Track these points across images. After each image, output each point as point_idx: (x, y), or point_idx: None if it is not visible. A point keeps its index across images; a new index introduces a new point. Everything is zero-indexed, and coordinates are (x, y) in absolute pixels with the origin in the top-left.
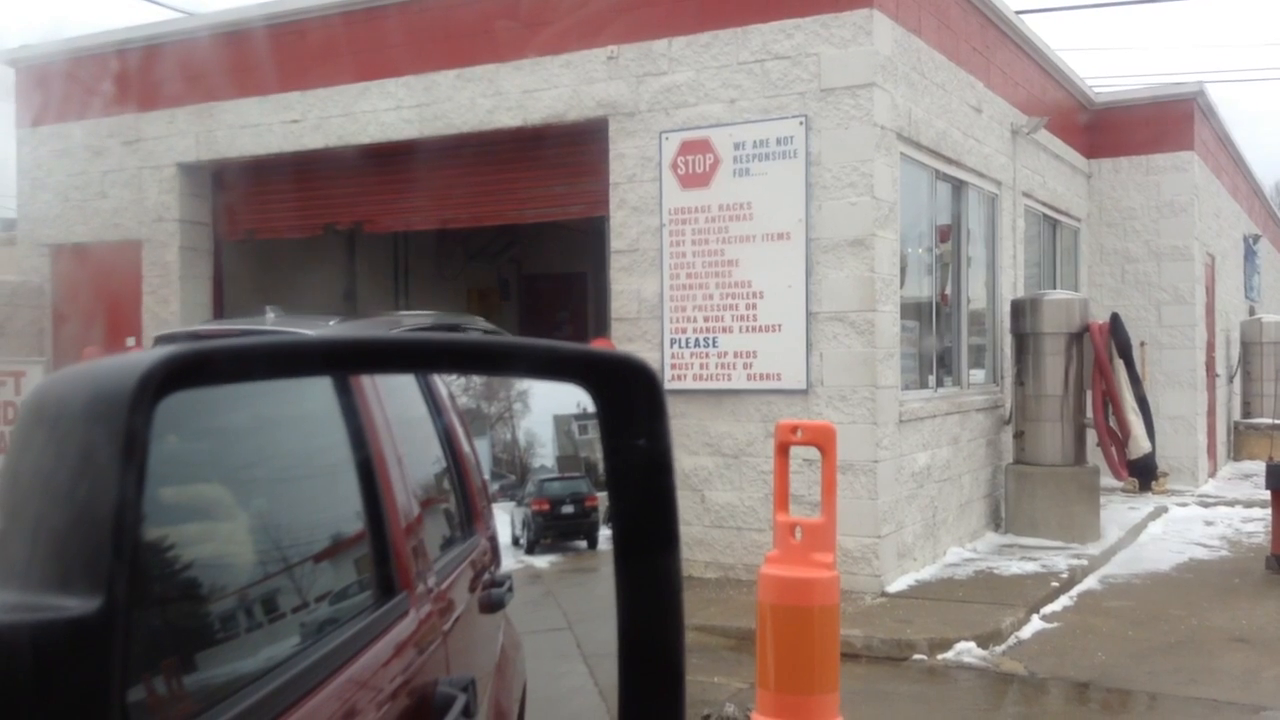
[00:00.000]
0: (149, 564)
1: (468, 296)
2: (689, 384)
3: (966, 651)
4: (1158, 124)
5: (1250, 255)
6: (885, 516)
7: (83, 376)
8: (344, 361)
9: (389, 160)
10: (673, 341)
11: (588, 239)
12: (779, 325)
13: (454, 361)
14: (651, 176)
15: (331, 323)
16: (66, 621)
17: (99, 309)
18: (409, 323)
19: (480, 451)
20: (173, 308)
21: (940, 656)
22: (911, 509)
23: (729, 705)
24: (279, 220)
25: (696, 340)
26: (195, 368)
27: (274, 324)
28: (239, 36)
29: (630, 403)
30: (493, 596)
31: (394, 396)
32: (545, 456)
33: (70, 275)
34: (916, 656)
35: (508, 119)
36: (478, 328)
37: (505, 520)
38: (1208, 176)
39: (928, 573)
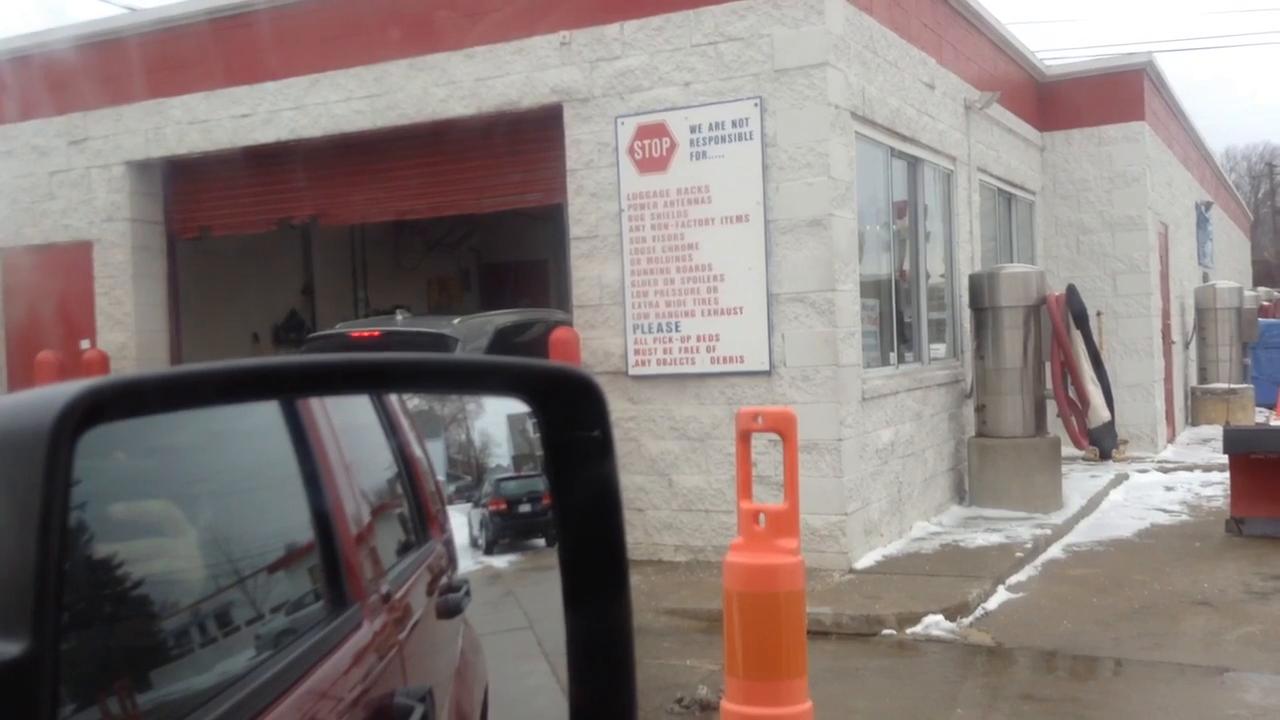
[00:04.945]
0: (99, 583)
1: (428, 287)
2: (653, 369)
3: (935, 625)
4: (1108, 95)
5: (1202, 222)
6: (851, 494)
7: None
8: (240, 390)
9: (343, 153)
10: (635, 327)
11: (547, 226)
12: (740, 308)
13: (358, 382)
14: (609, 162)
15: (455, 321)
16: None
17: (52, 312)
18: (499, 321)
19: (434, 454)
20: (126, 308)
21: (909, 631)
22: (877, 485)
23: (701, 688)
24: (233, 216)
25: (659, 325)
26: (91, 413)
27: (402, 325)
28: (184, 31)
29: (575, 416)
30: (450, 602)
31: (342, 404)
32: (501, 456)
33: (21, 278)
34: (885, 631)
35: (461, 108)
36: (556, 319)
37: (463, 522)
38: (1159, 146)
39: (895, 548)
